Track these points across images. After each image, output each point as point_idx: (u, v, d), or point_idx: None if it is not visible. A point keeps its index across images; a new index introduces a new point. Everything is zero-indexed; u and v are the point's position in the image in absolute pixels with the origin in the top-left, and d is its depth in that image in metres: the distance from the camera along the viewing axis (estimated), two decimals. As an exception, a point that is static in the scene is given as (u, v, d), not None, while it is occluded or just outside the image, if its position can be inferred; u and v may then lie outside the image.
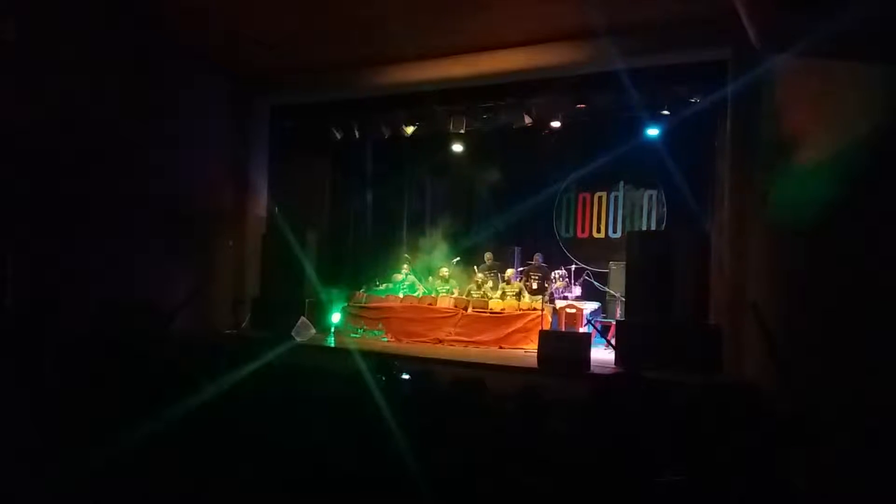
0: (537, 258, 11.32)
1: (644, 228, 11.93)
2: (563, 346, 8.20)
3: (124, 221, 8.86)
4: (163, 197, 9.63)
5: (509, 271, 11.22)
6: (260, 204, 11.65)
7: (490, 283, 11.11)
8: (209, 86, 10.76)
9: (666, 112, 9.88)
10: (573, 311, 10.09)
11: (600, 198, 12.63)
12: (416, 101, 10.81)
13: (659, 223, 11.96)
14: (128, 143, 8.88)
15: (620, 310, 10.22)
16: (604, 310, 11.12)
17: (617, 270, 10.82)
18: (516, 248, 12.55)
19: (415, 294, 11.41)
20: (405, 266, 11.96)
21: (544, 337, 8.45)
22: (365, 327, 10.83)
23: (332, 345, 9.98)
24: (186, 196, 10.13)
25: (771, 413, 2.69)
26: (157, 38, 9.30)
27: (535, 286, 10.75)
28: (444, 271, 11.59)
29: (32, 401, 2.78)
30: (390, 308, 10.94)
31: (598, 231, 12.63)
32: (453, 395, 3.60)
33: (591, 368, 7.96)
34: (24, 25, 7.49)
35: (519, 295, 10.61)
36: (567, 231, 12.87)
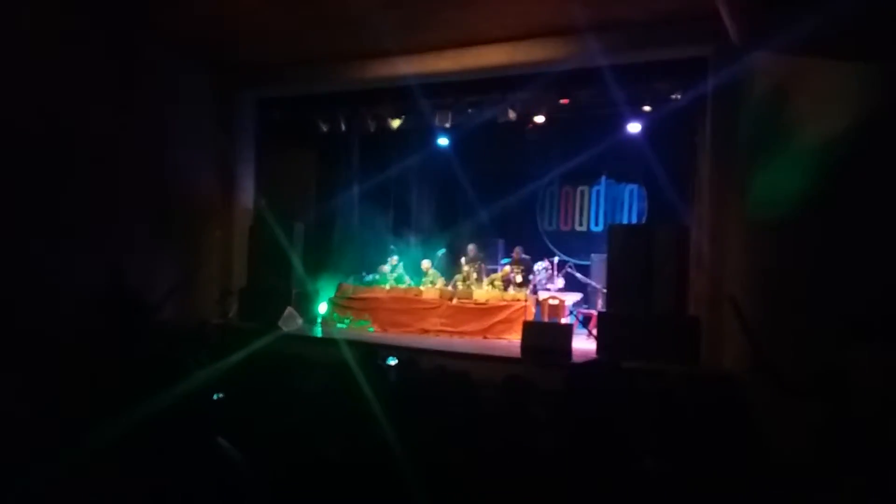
0: (518, 251, 11.44)
1: (625, 222, 12.09)
2: (546, 337, 8.35)
3: (110, 214, 8.84)
4: (149, 189, 9.62)
5: (506, 269, 11.24)
6: (247, 196, 11.67)
7: (475, 275, 11.25)
8: (195, 78, 10.74)
9: (647, 108, 10.01)
10: (556, 302, 10.25)
11: (583, 192, 12.81)
12: (402, 94, 10.85)
13: (640, 217, 12.13)
14: (112, 136, 8.87)
15: (602, 301, 10.39)
16: (586, 301, 11.28)
17: (599, 263, 10.98)
18: (500, 240, 12.68)
19: (401, 285, 11.53)
20: (392, 257, 12.07)
21: (527, 327, 8.60)
22: (351, 318, 10.94)
23: (319, 335, 10.08)
24: (173, 188, 10.13)
25: (747, 403, 2.80)
26: (140, 29, 9.27)
27: (519, 279, 10.89)
28: (427, 263, 11.71)
29: (15, 397, 2.83)
30: (377, 299, 11.06)
31: (581, 224, 12.81)
32: (437, 385, 3.69)
33: (573, 358, 8.11)
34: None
35: (503, 286, 10.75)
36: (550, 224, 13.02)
